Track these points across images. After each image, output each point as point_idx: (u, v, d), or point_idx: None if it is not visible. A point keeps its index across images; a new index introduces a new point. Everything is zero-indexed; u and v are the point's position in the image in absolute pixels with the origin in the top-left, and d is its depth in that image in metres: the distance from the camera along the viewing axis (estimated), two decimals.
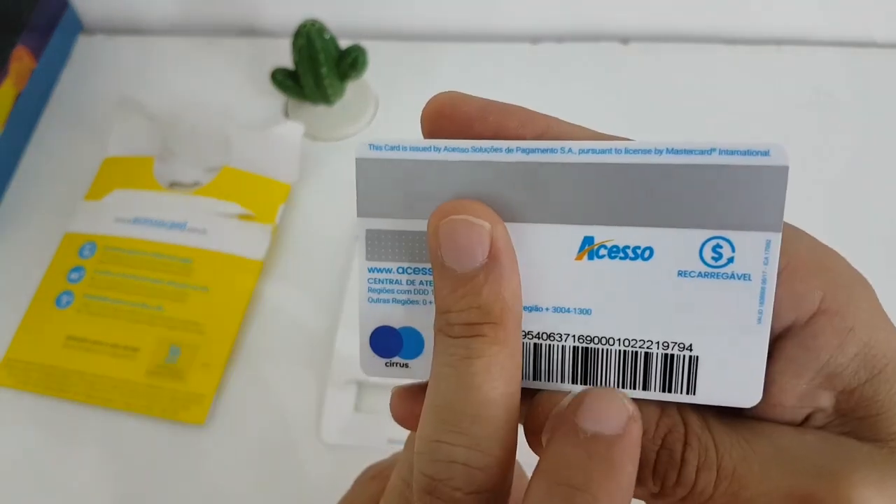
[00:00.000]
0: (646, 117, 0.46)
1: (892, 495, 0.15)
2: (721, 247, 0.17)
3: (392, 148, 0.17)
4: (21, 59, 0.45)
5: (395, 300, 0.18)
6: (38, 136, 0.47)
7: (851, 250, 0.43)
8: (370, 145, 0.17)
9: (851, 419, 0.16)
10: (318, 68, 0.41)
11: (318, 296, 0.39)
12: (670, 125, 0.45)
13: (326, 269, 0.40)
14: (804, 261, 0.16)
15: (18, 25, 0.45)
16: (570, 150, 0.17)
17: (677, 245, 0.16)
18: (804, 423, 0.16)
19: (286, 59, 0.43)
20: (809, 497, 0.15)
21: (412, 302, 0.18)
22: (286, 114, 0.46)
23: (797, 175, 0.47)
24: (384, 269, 0.18)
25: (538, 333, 0.17)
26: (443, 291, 0.16)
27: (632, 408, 0.15)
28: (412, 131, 0.51)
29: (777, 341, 0.16)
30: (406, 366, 0.18)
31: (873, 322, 0.16)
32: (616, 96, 0.47)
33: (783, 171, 0.18)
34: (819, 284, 0.16)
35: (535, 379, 0.17)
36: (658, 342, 0.17)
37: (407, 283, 0.18)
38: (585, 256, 0.17)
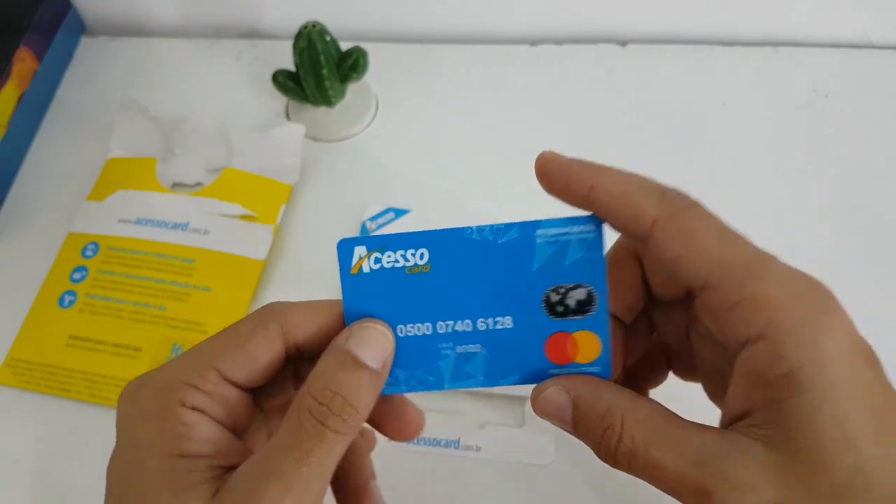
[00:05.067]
0: (644, 119, 0.46)
1: (769, 494, 0.19)
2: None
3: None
4: (24, 61, 0.46)
5: None
6: (41, 137, 0.47)
7: (848, 250, 0.44)
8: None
9: (773, 426, 0.20)
10: (319, 70, 0.42)
11: (319, 294, 0.39)
12: (668, 126, 0.46)
13: (327, 268, 0.40)
14: (760, 295, 0.20)
15: (21, 27, 0.46)
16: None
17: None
18: (735, 420, 0.21)
19: (287, 62, 0.43)
20: (699, 486, 0.20)
21: None
22: (287, 115, 0.47)
23: (794, 176, 0.48)
24: None
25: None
26: (329, 368, 0.22)
27: (390, 344, 0.23)
28: (412, 133, 0.51)
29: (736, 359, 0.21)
30: None
31: (815, 354, 0.19)
32: (614, 98, 0.47)
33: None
34: (767, 316, 0.20)
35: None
36: None
37: None
38: None
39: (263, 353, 0.23)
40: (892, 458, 0.19)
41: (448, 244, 0.25)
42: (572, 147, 0.44)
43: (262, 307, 0.24)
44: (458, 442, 0.34)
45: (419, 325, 0.25)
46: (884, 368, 0.21)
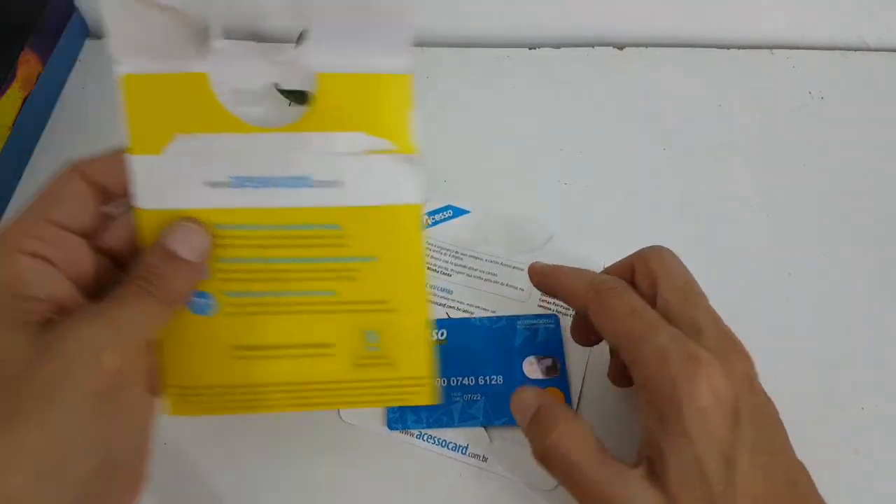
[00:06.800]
0: (641, 121, 0.46)
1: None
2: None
3: None
4: (28, 63, 0.46)
5: None
6: (46, 140, 0.47)
7: (845, 251, 0.44)
8: None
9: (654, 461, 0.27)
10: None
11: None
12: (664, 129, 0.46)
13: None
14: (643, 358, 0.28)
15: (26, 30, 0.46)
16: None
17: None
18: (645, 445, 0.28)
19: None
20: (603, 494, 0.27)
21: None
22: None
23: (789, 178, 0.48)
24: None
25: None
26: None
27: (208, 241, 0.27)
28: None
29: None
30: None
31: (676, 407, 0.26)
32: (612, 101, 0.48)
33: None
34: (646, 374, 0.28)
35: None
36: None
37: None
38: None
39: (69, 194, 0.26)
40: (732, 494, 0.25)
41: (460, 327, 0.37)
42: (569, 149, 0.45)
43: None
44: (467, 448, 0.34)
45: (440, 379, 0.34)
46: (748, 417, 0.27)
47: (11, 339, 0.22)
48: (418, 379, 0.31)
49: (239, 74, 0.27)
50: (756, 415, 0.27)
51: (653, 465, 0.27)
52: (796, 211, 0.42)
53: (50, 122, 0.48)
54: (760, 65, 0.49)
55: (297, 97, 0.38)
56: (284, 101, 0.30)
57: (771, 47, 0.50)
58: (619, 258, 0.34)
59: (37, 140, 0.47)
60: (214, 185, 0.28)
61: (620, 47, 0.50)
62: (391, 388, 0.31)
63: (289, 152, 0.28)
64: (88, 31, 0.53)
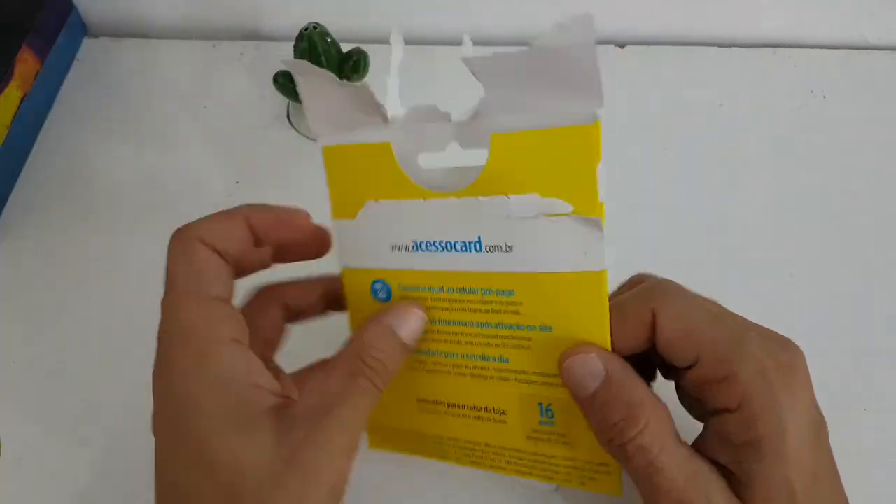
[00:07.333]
0: (642, 121, 0.46)
1: None
2: None
3: None
4: (26, 62, 0.46)
5: None
6: (43, 139, 0.47)
7: (846, 252, 0.44)
8: None
9: (739, 478, 0.24)
10: None
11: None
12: (666, 128, 0.46)
13: None
14: (739, 376, 0.24)
15: (24, 28, 0.46)
16: None
17: None
18: (713, 450, 0.25)
19: None
20: (683, 498, 0.24)
21: None
22: (288, 116, 0.47)
23: (792, 177, 0.48)
24: None
25: None
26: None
27: (421, 320, 0.28)
28: None
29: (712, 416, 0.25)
30: None
31: (777, 428, 0.24)
32: (613, 100, 0.47)
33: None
34: (742, 392, 0.24)
35: None
36: None
37: None
38: None
39: (259, 316, 0.29)
40: None
41: None
42: None
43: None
44: None
45: None
46: (825, 431, 0.26)
47: (255, 438, 0.23)
48: (603, 466, 0.29)
49: (418, 141, 0.28)
50: (824, 424, 0.26)
51: (733, 477, 0.25)
52: (798, 211, 0.42)
53: (47, 121, 0.48)
54: (762, 64, 0.49)
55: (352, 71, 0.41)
56: (460, 168, 0.28)
57: (773, 46, 0.50)
58: (618, 257, 0.33)
59: (34, 139, 0.47)
60: (397, 248, 0.29)
61: (622, 45, 0.50)
62: (571, 470, 0.29)
63: (460, 217, 0.27)
64: (87, 30, 0.53)
